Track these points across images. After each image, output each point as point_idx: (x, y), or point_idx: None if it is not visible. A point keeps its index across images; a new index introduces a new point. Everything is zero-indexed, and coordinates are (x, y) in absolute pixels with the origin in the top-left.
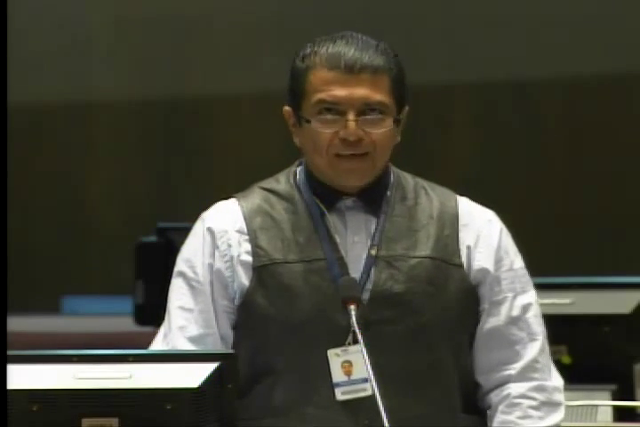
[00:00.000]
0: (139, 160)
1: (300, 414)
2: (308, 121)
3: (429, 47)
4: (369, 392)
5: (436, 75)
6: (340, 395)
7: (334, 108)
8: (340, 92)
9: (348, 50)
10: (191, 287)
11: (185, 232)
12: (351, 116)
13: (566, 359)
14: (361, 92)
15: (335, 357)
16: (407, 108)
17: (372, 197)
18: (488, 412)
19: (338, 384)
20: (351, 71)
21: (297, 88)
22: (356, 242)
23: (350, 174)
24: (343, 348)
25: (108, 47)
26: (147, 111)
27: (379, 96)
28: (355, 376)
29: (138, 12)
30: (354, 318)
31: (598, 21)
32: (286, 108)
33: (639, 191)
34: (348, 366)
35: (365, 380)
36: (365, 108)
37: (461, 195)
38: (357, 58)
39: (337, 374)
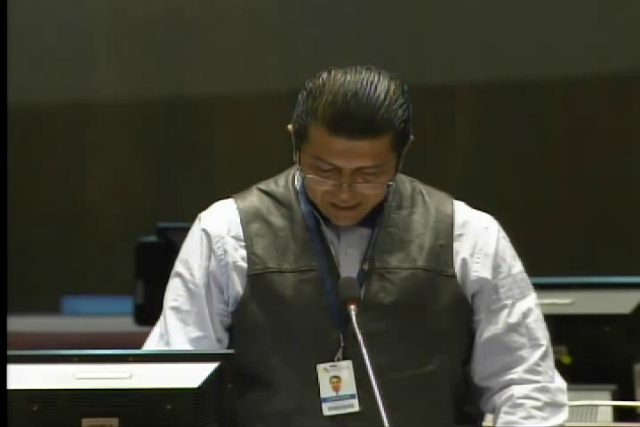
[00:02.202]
0: (139, 160)
1: (294, 425)
2: (304, 170)
3: (429, 47)
4: (356, 408)
5: (436, 75)
6: (326, 410)
7: (330, 165)
8: (337, 160)
9: (351, 113)
10: (188, 289)
11: (185, 232)
12: (345, 184)
13: (566, 359)
14: (359, 160)
15: (324, 372)
16: (412, 137)
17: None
18: (491, 414)
19: (325, 399)
20: (351, 138)
21: (299, 126)
22: (349, 254)
23: (341, 220)
24: (332, 363)
25: (108, 47)
26: (147, 111)
27: (378, 160)
28: (342, 392)
29: (138, 12)
30: (354, 319)
31: (598, 21)
32: (289, 126)
33: (639, 191)
34: (336, 382)
35: (353, 396)
36: (362, 168)
37: (459, 198)
38: (359, 127)
39: (325, 389)
